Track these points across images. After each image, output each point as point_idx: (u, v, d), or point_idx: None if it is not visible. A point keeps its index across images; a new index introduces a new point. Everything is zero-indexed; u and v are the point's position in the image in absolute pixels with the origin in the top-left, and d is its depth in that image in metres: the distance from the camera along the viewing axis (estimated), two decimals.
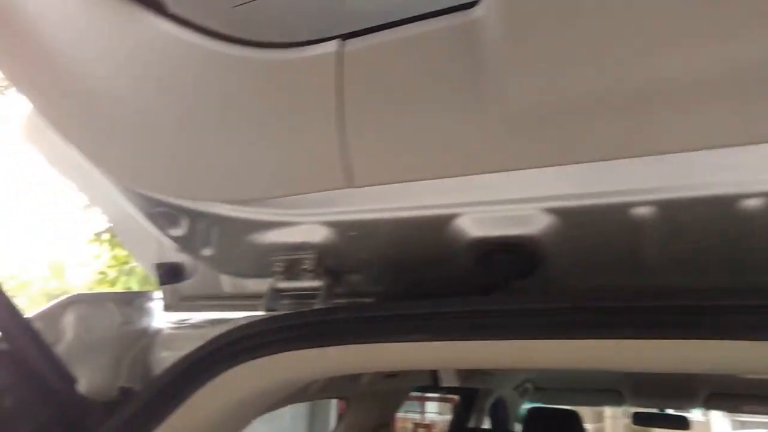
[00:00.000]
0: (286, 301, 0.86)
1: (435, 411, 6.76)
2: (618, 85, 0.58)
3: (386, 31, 0.66)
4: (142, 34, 0.70)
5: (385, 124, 0.67)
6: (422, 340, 0.67)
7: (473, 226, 0.72)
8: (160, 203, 0.77)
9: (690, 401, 3.51)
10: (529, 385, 3.62)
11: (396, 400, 2.21)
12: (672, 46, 0.53)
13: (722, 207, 0.63)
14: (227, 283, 0.91)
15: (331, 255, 0.82)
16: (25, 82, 0.72)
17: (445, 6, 0.64)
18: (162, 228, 0.82)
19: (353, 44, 0.67)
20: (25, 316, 0.75)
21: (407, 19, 0.66)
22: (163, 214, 0.80)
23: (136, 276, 5.64)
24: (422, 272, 0.80)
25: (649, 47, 0.53)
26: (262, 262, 0.83)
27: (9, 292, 0.75)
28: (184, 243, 0.84)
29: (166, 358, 0.83)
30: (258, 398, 0.77)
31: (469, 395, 3.22)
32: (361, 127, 0.67)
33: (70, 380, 0.75)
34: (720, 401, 3.35)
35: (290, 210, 0.79)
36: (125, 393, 0.81)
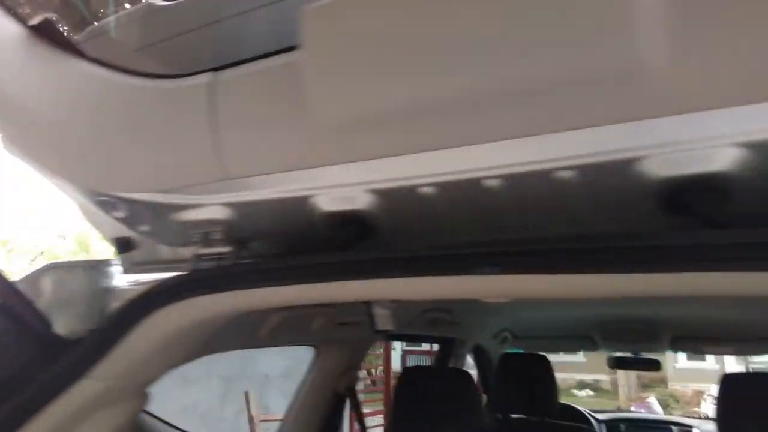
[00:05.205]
0: (206, 264, 1.13)
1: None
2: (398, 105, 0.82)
3: (244, 66, 0.92)
4: (72, 73, 0.96)
5: (245, 133, 0.93)
6: (288, 284, 0.95)
7: (324, 204, 0.98)
8: (100, 194, 1.05)
9: (657, 344, 3.77)
10: (507, 334, 3.90)
11: (361, 348, 2.49)
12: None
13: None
14: (164, 251, 1.19)
15: (234, 228, 1.08)
16: None
17: (281, 48, 0.89)
18: (108, 212, 1.10)
19: (223, 74, 0.94)
20: (9, 279, 1.05)
21: (256, 57, 0.92)
22: (105, 202, 1.08)
23: None
24: (298, 238, 1.06)
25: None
26: (184, 234, 1.11)
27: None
28: (126, 222, 1.12)
29: None
30: (184, 335, 1.05)
31: (447, 344, 3.51)
32: (230, 135, 0.93)
33: (47, 323, 1.05)
34: (684, 343, 3.60)
35: (199, 195, 1.06)
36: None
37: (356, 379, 2.42)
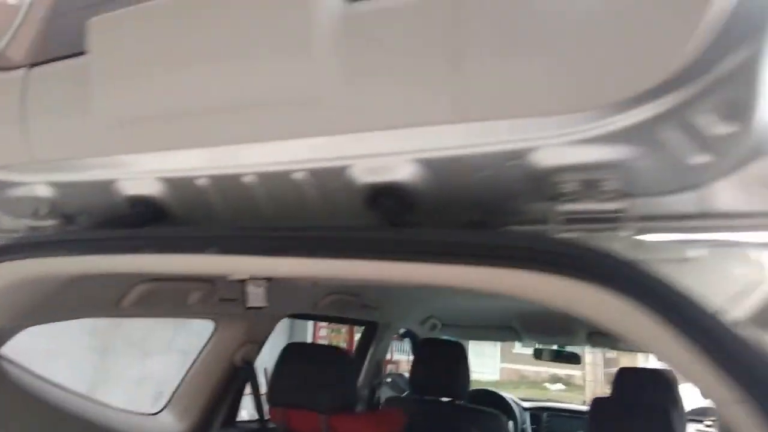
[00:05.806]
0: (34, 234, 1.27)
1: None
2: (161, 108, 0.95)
3: (50, 64, 1.05)
4: None
5: (48, 122, 1.06)
6: (91, 254, 1.08)
7: (126, 188, 1.11)
8: None
9: (574, 338, 3.94)
10: (436, 321, 4.05)
11: (264, 325, 2.61)
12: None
13: None
14: (7, 220, 1.32)
15: (60, 204, 1.21)
16: None
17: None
18: None
19: (35, 70, 1.07)
20: None
21: (61, 57, 1.04)
22: None
23: None
24: (109, 216, 1.20)
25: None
26: (20, 208, 1.24)
27: None
28: None
29: None
30: (6, 296, 1.19)
31: (370, 328, 3.66)
32: (36, 123, 1.06)
33: None
34: (599, 339, 3.77)
35: (26, 174, 1.19)
36: None
37: (255, 353, 2.55)
